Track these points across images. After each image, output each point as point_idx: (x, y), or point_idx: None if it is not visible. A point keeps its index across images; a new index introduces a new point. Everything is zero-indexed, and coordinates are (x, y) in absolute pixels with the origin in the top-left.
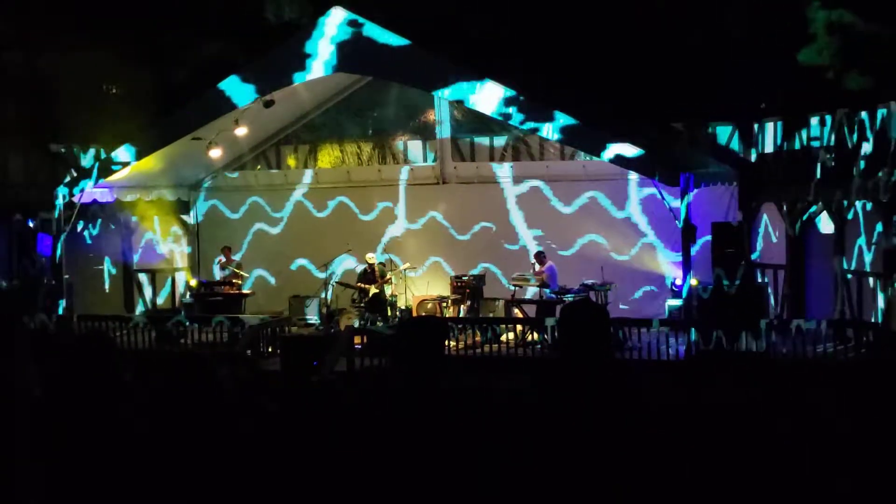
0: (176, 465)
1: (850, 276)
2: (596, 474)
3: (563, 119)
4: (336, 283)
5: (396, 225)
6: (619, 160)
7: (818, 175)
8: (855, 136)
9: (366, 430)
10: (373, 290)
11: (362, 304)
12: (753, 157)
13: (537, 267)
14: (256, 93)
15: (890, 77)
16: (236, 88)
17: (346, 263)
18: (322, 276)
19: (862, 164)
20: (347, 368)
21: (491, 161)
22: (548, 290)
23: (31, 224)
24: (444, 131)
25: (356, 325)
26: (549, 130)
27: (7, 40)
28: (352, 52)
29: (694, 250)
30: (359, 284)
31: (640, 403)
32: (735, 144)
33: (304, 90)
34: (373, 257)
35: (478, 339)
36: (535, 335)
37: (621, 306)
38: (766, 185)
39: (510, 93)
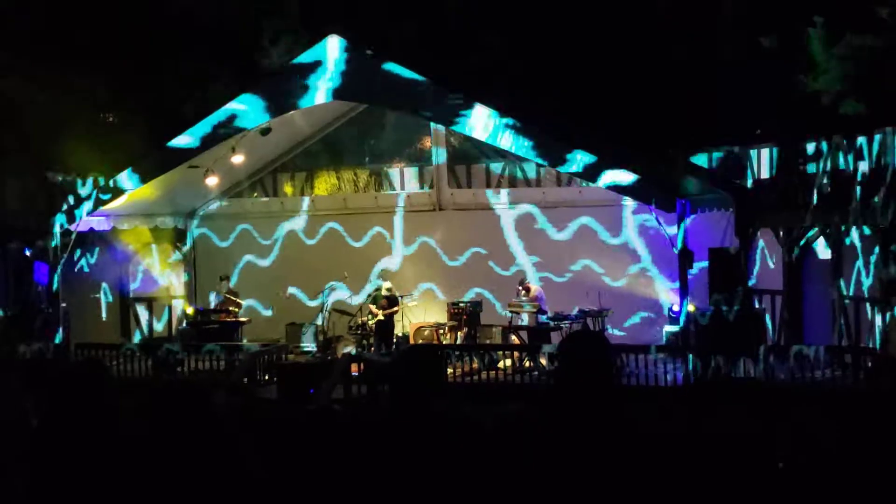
0: (168, 493)
1: (847, 301)
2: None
3: (558, 146)
4: (332, 310)
5: (393, 252)
6: (615, 186)
7: (815, 200)
8: (851, 162)
9: (360, 456)
10: (380, 315)
11: (359, 332)
12: (749, 183)
13: (523, 293)
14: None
15: (886, 102)
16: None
17: (337, 293)
18: (314, 303)
19: (858, 189)
20: (344, 396)
21: (487, 187)
22: (545, 317)
23: (27, 252)
24: (439, 158)
25: (353, 352)
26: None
27: (4, 67)
28: (348, 80)
29: (691, 276)
30: (371, 307)
31: (638, 432)
32: (731, 170)
33: (300, 117)
34: (389, 286)
35: (475, 365)
36: (531, 362)
37: (618, 332)
38: (762, 210)
39: (506, 120)
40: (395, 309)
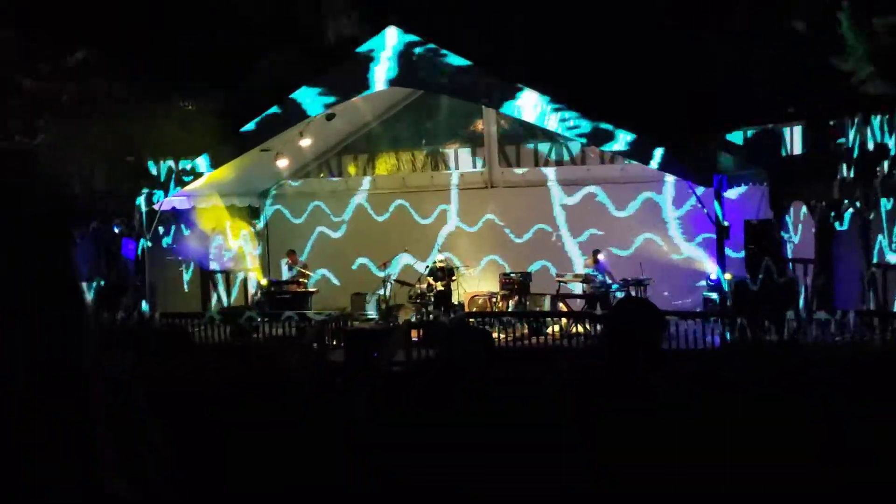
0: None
1: (875, 269)
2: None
3: (602, 126)
4: (395, 280)
5: (449, 227)
6: (655, 163)
7: (843, 174)
8: (878, 137)
9: (418, 415)
10: (439, 286)
11: (419, 300)
12: (782, 159)
13: (590, 262)
14: (323, 107)
15: None
16: (307, 101)
17: (402, 262)
18: (381, 274)
19: (885, 163)
20: (405, 359)
21: (536, 166)
22: (599, 284)
23: (116, 230)
24: (491, 139)
25: (413, 319)
26: (586, 136)
27: (92, 67)
28: (407, 69)
29: (728, 248)
30: (428, 279)
31: (678, 390)
32: (765, 146)
33: (362, 103)
34: (444, 259)
35: (525, 331)
36: (580, 328)
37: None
38: (794, 184)
39: (553, 104)
40: (454, 279)
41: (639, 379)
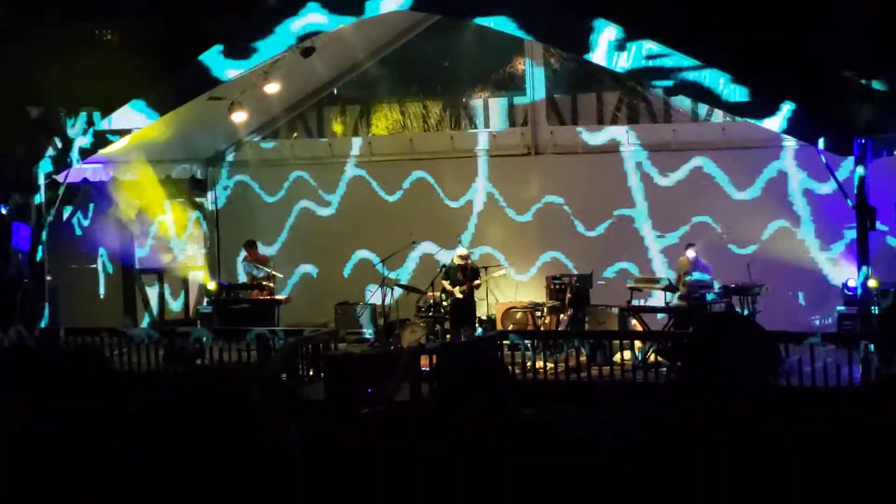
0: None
1: None
2: None
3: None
4: (398, 285)
5: (474, 208)
6: (781, 124)
7: None
8: None
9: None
10: (457, 292)
11: (430, 313)
12: None
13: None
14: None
15: None
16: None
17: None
18: (393, 274)
19: None
20: (412, 397)
21: (599, 124)
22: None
23: (3, 210)
24: (536, 86)
25: (423, 340)
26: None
27: None
28: None
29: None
30: (443, 283)
31: (796, 443)
32: None
33: (353, 34)
34: (465, 253)
35: (582, 359)
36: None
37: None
38: None
39: (625, 34)
40: (477, 283)
41: (719, 423)
